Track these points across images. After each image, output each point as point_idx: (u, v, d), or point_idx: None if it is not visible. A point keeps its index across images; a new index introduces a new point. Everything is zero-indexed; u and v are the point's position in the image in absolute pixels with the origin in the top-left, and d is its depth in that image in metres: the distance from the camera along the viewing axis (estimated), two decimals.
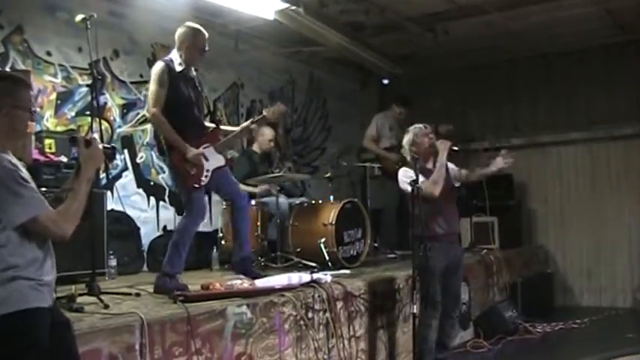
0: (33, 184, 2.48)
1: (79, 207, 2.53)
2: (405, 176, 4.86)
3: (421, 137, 5.05)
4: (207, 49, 4.69)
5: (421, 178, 4.77)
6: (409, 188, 4.72)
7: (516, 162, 9.04)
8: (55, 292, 2.61)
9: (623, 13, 7.74)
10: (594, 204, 8.93)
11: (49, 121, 5.97)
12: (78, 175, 2.63)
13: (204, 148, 4.63)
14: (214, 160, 4.68)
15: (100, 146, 2.69)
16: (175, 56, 4.63)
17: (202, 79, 7.50)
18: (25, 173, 2.48)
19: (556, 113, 9.18)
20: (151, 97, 4.55)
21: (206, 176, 4.59)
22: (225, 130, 5.05)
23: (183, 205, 4.76)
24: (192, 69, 4.76)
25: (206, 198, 4.69)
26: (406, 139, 5.10)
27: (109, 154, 2.83)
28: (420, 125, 5.15)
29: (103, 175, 6.09)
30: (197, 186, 4.57)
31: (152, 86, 4.55)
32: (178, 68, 4.60)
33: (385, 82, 9.72)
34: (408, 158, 5.06)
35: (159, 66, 4.57)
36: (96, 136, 2.90)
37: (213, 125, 4.90)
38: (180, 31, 4.65)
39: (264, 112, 5.02)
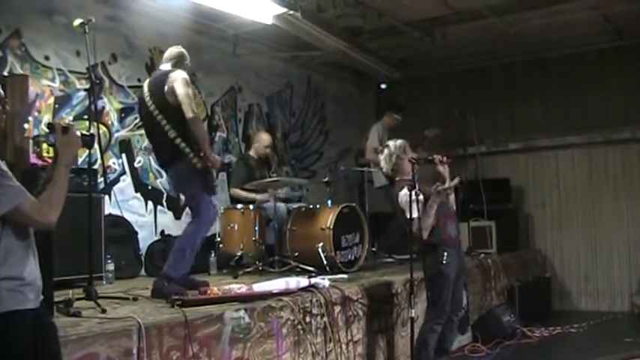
0: (11, 175, 2.44)
1: (60, 193, 2.51)
2: (405, 197, 4.80)
3: (404, 152, 5.08)
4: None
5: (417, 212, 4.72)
6: (414, 212, 4.67)
7: (514, 166, 9.29)
8: (42, 294, 2.58)
9: (620, 18, 7.78)
10: (592, 208, 8.94)
11: (46, 125, 5.96)
12: (56, 162, 2.61)
13: None
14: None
15: (78, 133, 2.68)
16: (169, 70, 4.69)
17: (200, 84, 7.60)
18: (3, 166, 2.45)
19: (553, 117, 9.20)
20: (189, 100, 4.46)
21: (216, 185, 4.71)
22: None
23: (193, 211, 4.75)
24: None
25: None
26: (394, 147, 5.10)
27: (87, 141, 2.81)
28: (400, 140, 5.18)
29: (100, 179, 6.09)
30: (214, 192, 4.65)
31: (186, 89, 4.48)
32: None
33: (383, 86, 9.73)
34: (387, 167, 5.10)
35: (185, 75, 4.59)
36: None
37: None
38: (178, 50, 4.80)
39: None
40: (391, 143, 5.17)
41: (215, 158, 4.61)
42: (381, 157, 5.23)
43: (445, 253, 4.83)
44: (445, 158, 5.03)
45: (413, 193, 4.66)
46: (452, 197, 5.14)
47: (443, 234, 4.89)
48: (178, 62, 4.77)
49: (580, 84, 8.98)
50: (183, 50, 4.86)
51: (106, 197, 6.18)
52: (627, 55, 8.66)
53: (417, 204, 4.65)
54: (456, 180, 4.97)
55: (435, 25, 7.97)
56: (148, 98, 4.67)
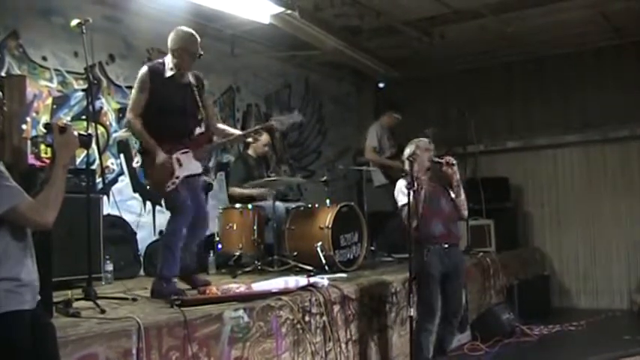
0: (9, 175, 2.44)
1: (57, 193, 2.51)
2: (403, 188, 4.84)
3: (423, 151, 5.06)
4: (200, 53, 4.65)
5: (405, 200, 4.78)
6: (404, 201, 4.72)
7: (512, 164, 9.30)
8: (41, 294, 2.58)
9: (618, 16, 7.77)
10: (590, 206, 8.94)
11: (43, 126, 5.94)
12: (53, 162, 2.60)
13: (182, 153, 4.56)
14: (189, 167, 4.59)
15: (76, 133, 2.68)
16: (168, 60, 4.62)
17: None
18: (1, 166, 2.44)
19: (551, 116, 9.20)
20: (130, 102, 4.63)
21: (173, 182, 4.50)
22: (226, 131, 5.02)
23: (165, 207, 4.81)
24: (189, 75, 4.72)
25: (184, 187, 4.60)
26: (408, 150, 5.10)
27: (85, 142, 2.81)
28: (425, 140, 5.18)
29: (99, 179, 6.09)
30: (160, 191, 4.61)
31: (133, 91, 4.63)
32: (168, 73, 4.58)
33: (381, 85, 9.74)
34: (407, 166, 5.11)
35: (142, 71, 4.61)
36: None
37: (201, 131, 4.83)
38: (172, 35, 4.63)
39: (274, 122, 5.04)
40: (407, 148, 5.15)
41: (160, 157, 4.48)
42: (406, 151, 5.21)
43: (426, 251, 4.84)
44: (452, 159, 5.03)
45: (411, 191, 4.68)
46: (445, 197, 5.13)
47: (427, 231, 4.89)
48: (169, 50, 4.63)
49: (578, 83, 8.99)
50: (174, 32, 4.62)
51: (105, 198, 6.17)
52: (625, 53, 8.66)
53: (409, 195, 4.67)
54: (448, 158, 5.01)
55: (433, 25, 7.97)
56: None
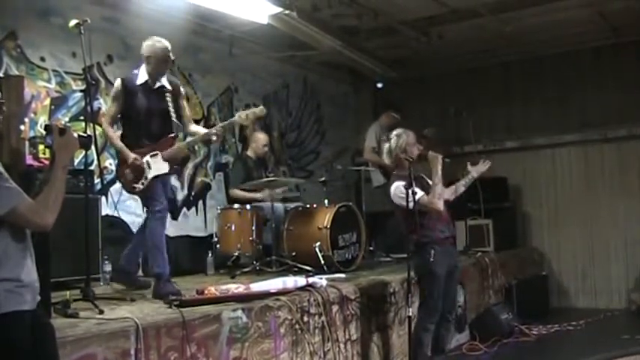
0: (8, 177, 2.44)
1: (57, 194, 2.52)
2: (399, 191, 4.82)
3: (411, 146, 5.03)
4: (170, 59, 4.81)
5: (419, 193, 4.77)
6: (403, 203, 4.71)
7: (511, 164, 9.30)
8: (39, 295, 2.58)
9: (615, 15, 7.79)
10: (589, 205, 8.94)
11: (43, 127, 5.94)
12: (53, 164, 2.61)
13: (152, 156, 4.71)
14: (157, 168, 4.72)
15: (75, 134, 2.69)
16: (142, 69, 4.81)
17: (196, 85, 7.57)
18: (0, 167, 2.44)
19: (550, 115, 9.20)
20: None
21: (142, 183, 4.70)
22: (196, 133, 5.03)
23: (142, 204, 5.06)
24: (164, 80, 4.85)
25: (160, 186, 4.77)
26: (395, 144, 5.04)
27: (85, 143, 2.82)
28: (410, 133, 5.13)
29: (97, 180, 6.08)
30: (130, 191, 4.83)
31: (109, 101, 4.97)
32: (140, 80, 4.77)
33: (379, 86, 9.75)
34: (388, 161, 5.11)
35: (115, 83, 4.93)
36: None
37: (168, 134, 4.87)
38: (143, 44, 4.82)
39: (236, 117, 5.07)
40: (393, 140, 5.10)
41: (130, 157, 4.71)
42: (385, 147, 5.21)
43: (433, 251, 4.82)
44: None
45: (410, 191, 4.67)
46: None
47: (432, 234, 4.88)
48: (143, 57, 4.85)
49: (576, 82, 8.99)
50: (147, 40, 4.85)
51: (103, 198, 6.16)
52: (624, 52, 8.65)
53: (408, 196, 4.66)
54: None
55: (431, 25, 7.97)
56: None
